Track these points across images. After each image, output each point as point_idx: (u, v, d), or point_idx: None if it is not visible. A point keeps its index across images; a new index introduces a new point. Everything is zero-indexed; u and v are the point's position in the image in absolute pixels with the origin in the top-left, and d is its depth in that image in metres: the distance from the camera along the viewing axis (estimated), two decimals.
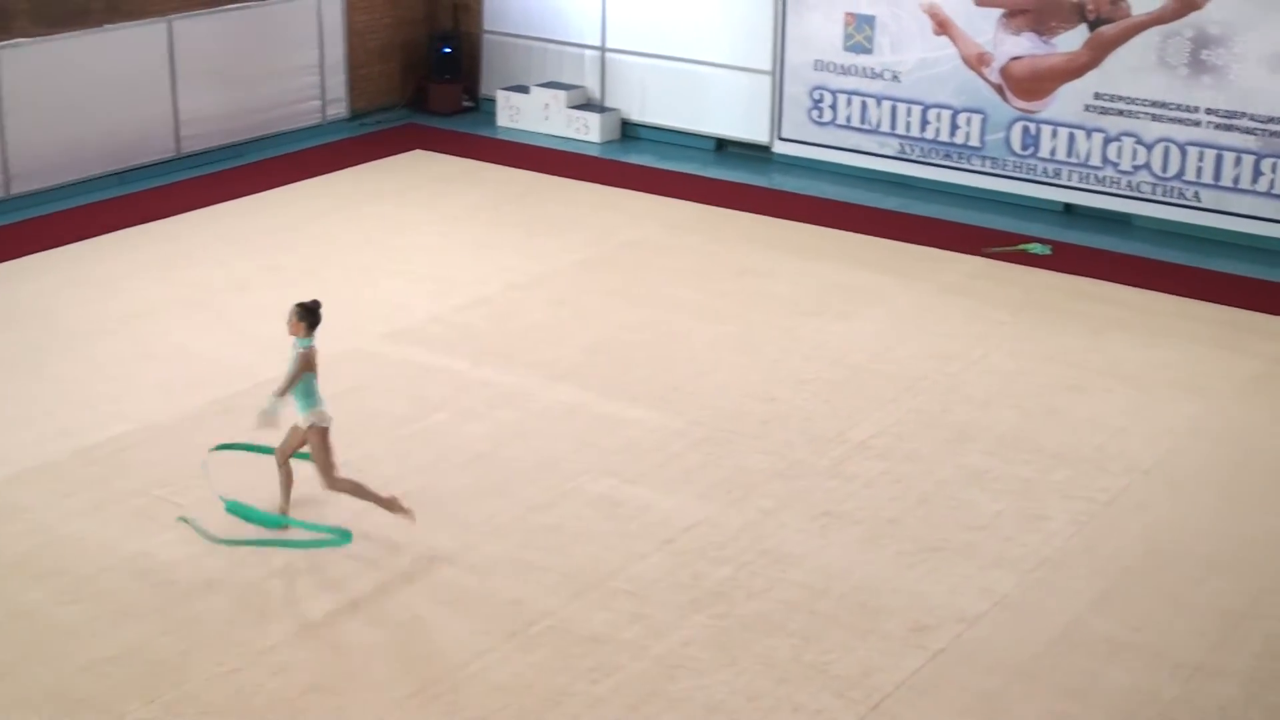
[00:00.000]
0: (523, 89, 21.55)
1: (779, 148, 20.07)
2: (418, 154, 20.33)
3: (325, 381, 13.27)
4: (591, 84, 21.34)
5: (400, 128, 21.57)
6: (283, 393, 10.95)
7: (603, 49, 21.18)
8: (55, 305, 15.09)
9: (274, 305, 15.03)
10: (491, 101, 21.94)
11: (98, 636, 9.85)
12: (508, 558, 10.83)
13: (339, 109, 21.47)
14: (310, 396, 10.99)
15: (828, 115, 19.57)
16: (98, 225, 17.34)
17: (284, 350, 13.99)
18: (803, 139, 19.85)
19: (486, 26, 22.17)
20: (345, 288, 15.59)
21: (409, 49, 22.29)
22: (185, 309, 15.07)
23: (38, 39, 17.96)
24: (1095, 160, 17.90)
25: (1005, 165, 18.50)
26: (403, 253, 16.67)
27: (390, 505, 11.04)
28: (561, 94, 21.15)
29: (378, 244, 16.91)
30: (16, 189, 17.93)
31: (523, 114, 21.45)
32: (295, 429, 11.10)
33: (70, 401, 13.08)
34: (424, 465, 12.09)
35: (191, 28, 19.43)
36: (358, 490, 11.04)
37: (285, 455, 11.26)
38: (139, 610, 10.13)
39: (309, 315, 11.07)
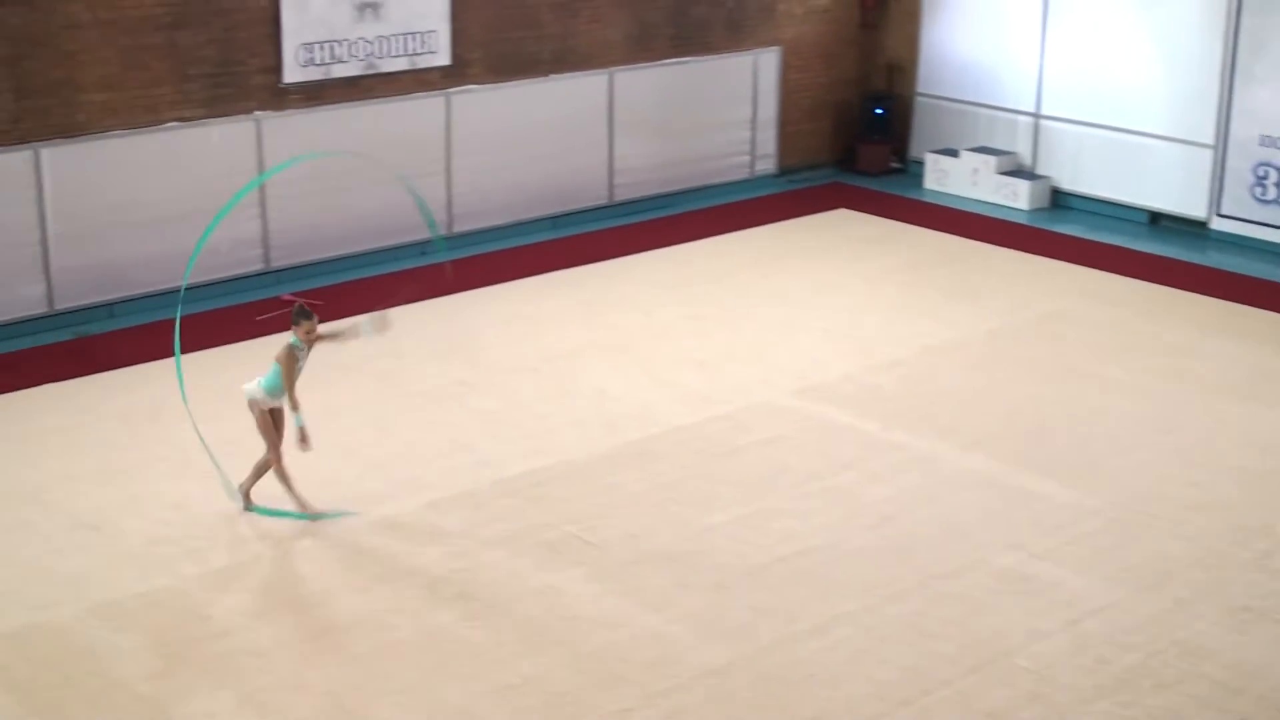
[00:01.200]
0: (952, 152, 21.38)
1: (1217, 224, 19.32)
2: (843, 213, 20.39)
3: (738, 433, 13.47)
4: (1023, 150, 21.01)
5: (827, 186, 21.68)
6: (295, 405, 11.69)
7: (1036, 115, 20.84)
8: (485, 340, 15.70)
9: (693, 354, 15.32)
10: (920, 164, 21.84)
11: (502, 663, 10.15)
12: (907, 623, 10.67)
13: (768, 165, 21.73)
14: (278, 386, 11.71)
15: (1272, 193, 18.74)
16: (530, 266, 17.99)
17: (702, 399, 14.27)
18: (1244, 216, 19.05)
19: (920, 89, 22.10)
20: (762, 341, 15.74)
21: (841, 108, 22.41)
22: (606, 352, 15.46)
23: (488, 86, 18.79)
24: None
25: None
26: (821, 310, 16.72)
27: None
28: (991, 159, 20.89)
29: (797, 300, 17.01)
30: (459, 227, 18.78)
31: (950, 177, 21.28)
32: (262, 413, 11.84)
33: (491, 434, 13.57)
34: (828, 523, 12.05)
35: (631, 80, 20.00)
36: (284, 479, 11.88)
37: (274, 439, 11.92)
38: (543, 641, 10.40)
39: (303, 317, 11.85)
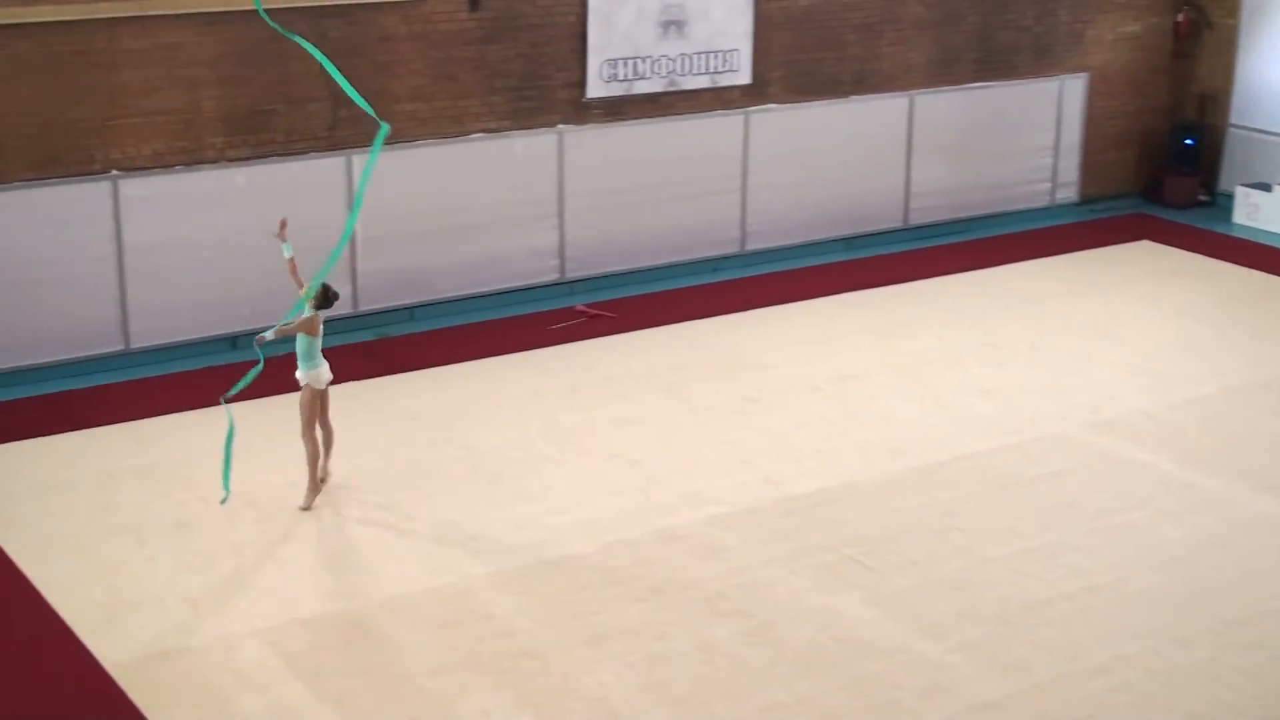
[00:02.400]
0: (1265, 186, 20.62)
1: None
2: (1145, 245, 19.85)
3: (1027, 465, 13.23)
4: None
5: (1130, 217, 21.14)
6: (278, 333, 12.18)
7: None
8: (772, 359, 15.71)
9: (983, 382, 15.10)
10: (1229, 197, 21.11)
11: (775, 681, 10.13)
12: (1195, 670, 10.32)
13: (1069, 193, 21.29)
14: (311, 358, 12.33)
15: None
16: (821, 287, 17.95)
17: (991, 428, 14.05)
18: None
19: (1233, 120, 21.37)
20: (1055, 372, 15.42)
21: (1148, 138, 21.82)
22: (895, 376, 15.33)
23: (787, 105, 18.82)
24: None
25: None
26: (1118, 343, 16.29)
27: (313, 487, 12.42)
28: None
29: (1094, 331, 16.61)
30: (752, 245, 18.84)
31: (1262, 212, 20.52)
32: (306, 387, 12.37)
33: (775, 452, 13.57)
34: (1115, 562, 11.73)
35: (932, 103, 19.80)
36: (311, 458, 12.37)
37: (311, 420, 12.41)
38: (817, 663, 10.35)
39: (323, 296, 12.28)
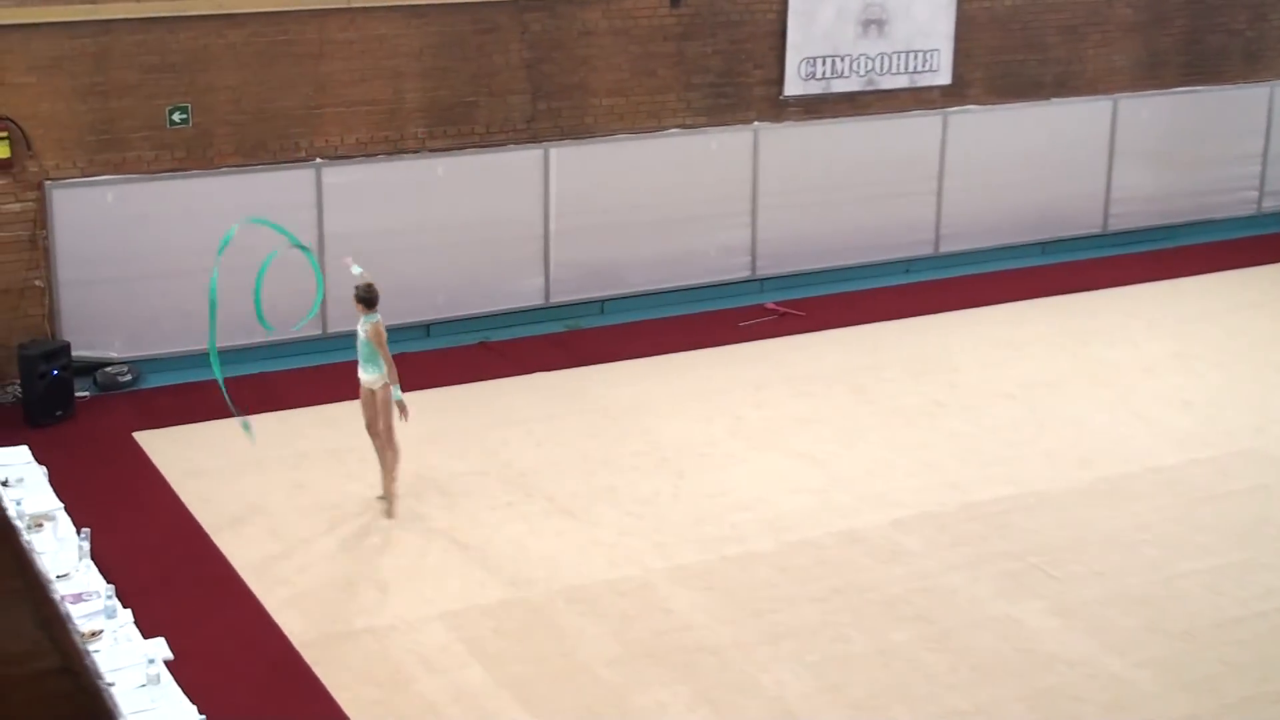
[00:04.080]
0: None
1: None
2: None
3: (1221, 479, 12.94)
4: None
5: None
6: (395, 379, 12.05)
7: None
8: (963, 362, 15.55)
9: (1179, 393, 14.77)
10: None
11: (954, 689, 10.03)
12: None
13: (1276, 201, 20.70)
14: (377, 362, 12.09)
15: None
16: (1015, 291, 17.70)
17: (1186, 440, 13.74)
18: None
19: None
20: (1255, 385, 15.02)
21: None
22: (1087, 384, 15.08)
23: (987, 107, 18.60)
24: None
25: None
26: None
27: (389, 494, 12.27)
28: None
29: None
30: (945, 248, 18.65)
31: None
32: (372, 396, 12.17)
33: (961, 457, 13.43)
34: None
35: (1137, 107, 19.42)
36: (393, 459, 12.21)
37: (377, 428, 12.23)
38: (997, 672, 10.22)
39: (363, 294, 12.12)
